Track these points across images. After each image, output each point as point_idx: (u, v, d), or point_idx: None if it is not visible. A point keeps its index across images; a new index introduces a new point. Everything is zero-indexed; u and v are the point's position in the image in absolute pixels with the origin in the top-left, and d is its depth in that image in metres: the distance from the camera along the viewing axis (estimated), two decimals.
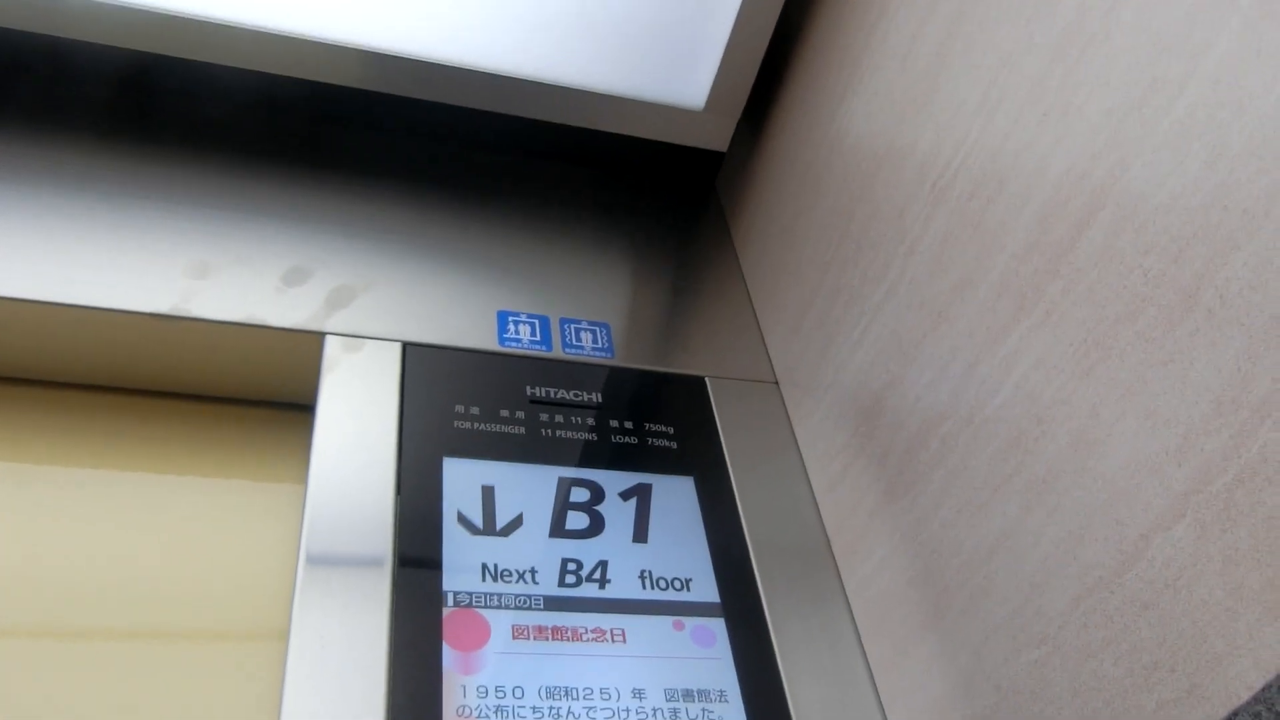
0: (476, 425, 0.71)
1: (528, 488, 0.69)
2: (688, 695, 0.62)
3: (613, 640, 0.63)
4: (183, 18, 0.77)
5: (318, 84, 0.83)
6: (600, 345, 0.80)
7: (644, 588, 0.66)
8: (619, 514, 0.69)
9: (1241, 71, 0.41)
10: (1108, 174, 0.48)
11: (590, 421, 0.74)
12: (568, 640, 0.62)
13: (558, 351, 0.78)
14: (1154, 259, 0.45)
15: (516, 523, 0.67)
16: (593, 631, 0.63)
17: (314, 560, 0.62)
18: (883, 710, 0.64)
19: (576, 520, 0.68)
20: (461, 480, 0.68)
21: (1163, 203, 0.45)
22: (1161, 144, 0.45)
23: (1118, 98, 0.48)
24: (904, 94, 0.66)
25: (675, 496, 0.72)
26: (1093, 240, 0.49)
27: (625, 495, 0.71)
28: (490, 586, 0.63)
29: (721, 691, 0.63)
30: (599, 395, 0.76)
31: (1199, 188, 0.43)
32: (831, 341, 0.73)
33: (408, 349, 0.74)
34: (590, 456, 0.72)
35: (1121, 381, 0.47)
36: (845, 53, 0.74)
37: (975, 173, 0.58)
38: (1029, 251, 0.53)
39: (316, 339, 0.73)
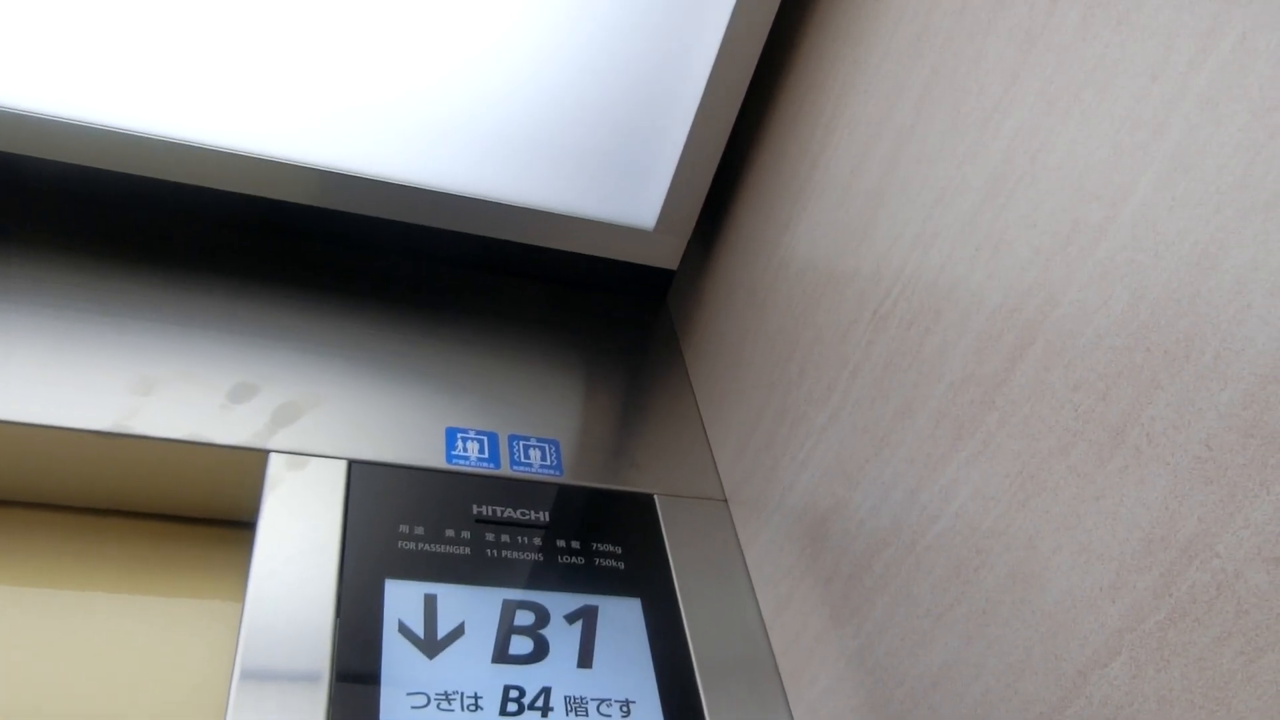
0: (421, 545, 0.70)
1: (471, 610, 0.68)
2: None
3: None
4: (137, 137, 0.78)
5: (269, 200, 0.84)
6: (549, 463, 0.80)
7: (588, 715, 0.65)
8: (564, 638, 0.68)
9: (1157, 220, 0.43)
10: (1037, 310, 0.49)
11: (537, 541, 0.74)
12: None
13: (506, 469, 0.78)
14: (1083, 395, 0.46)
15: (459, 648, 0.66)
16: None
17: (248, 679, 0.60)
18: None
19: (520, 645, 0.67)
20: (403, 603, 0.67)
21: (1090, 341, 0.46)
22: (1086, 284, 0.47)
23: (1045, 238, 0.49)
24: (845, 224, 0.68)
25: (622, 619, 0.71)
26: (1025, 374, 0.50)
27: (571, 618, 0.70)
28: (430, 715, 0.62)
29: None
30: (546, 514, 0.76)
31: (1123, 328, 0.44)
32: (778, 462, 0.74)
33: (353, 466, 0.74)
34: (536, 578, 0.71)
35: (1056, 515, 0.47)
36: (790, 180, 0.76)
37: (914, 302, 0.60)
38: (965, 382, 0.54)
39: (260, 456, 0.72)
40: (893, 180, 0.63)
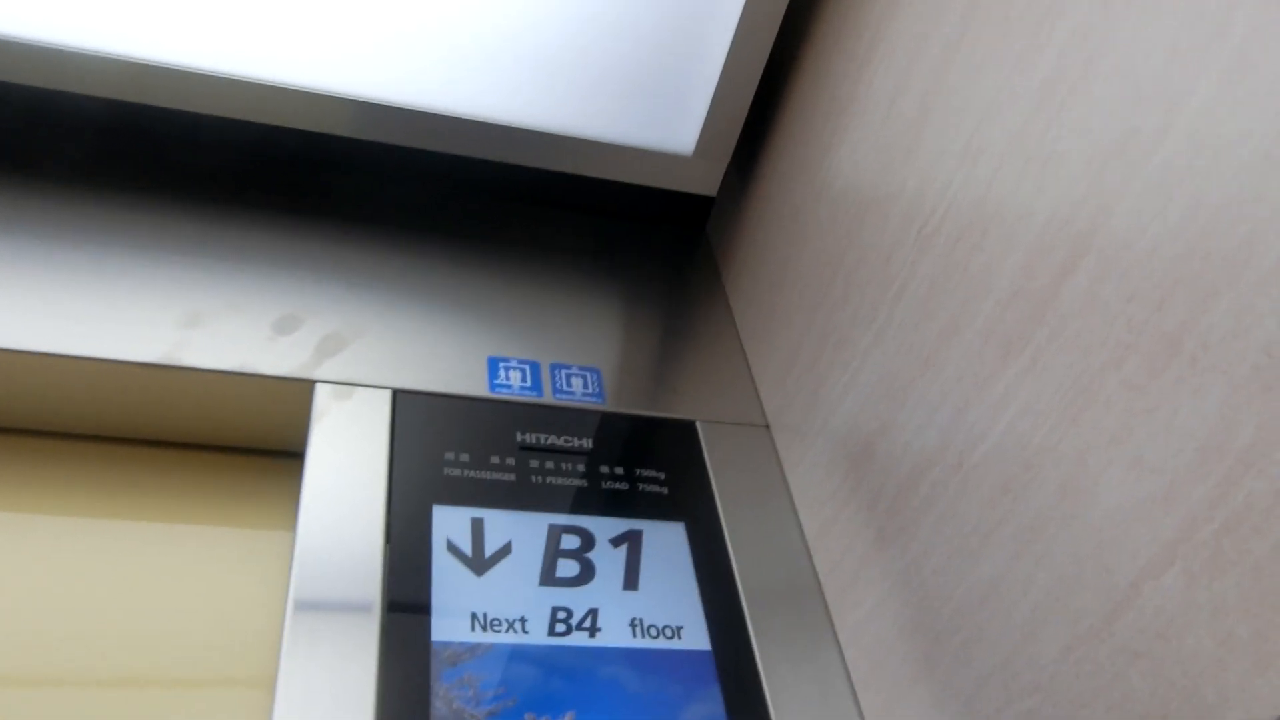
0: (466, 472, 0.71)
1: (517, 535, 0.69)
2: None
3: None
4: (175, 70, 0.78)
5: (309, 133, 0.84)
6: (591, 390, 0.80)
7: (634, 636, 0.66)
8: (609, 561, 0.69)
9: (1218, 122, 0.42)
10: (1090, 221, 0.48)
11: (581, 467, 0.74)
12: None
13: (548, 397, 0.78)
14: (1137, 306, 0.45)
15: (506, 567, 0.67)
16: None
17: (302, 608, 0.61)
18: None
19: (567, 568, 0.68)
20: (451, 528, 0.68)
21: (1145, 250, 0.45)
22: (1142, 192, 0.45)
23: (1098, 146, 0.48)
24: (890, 141, 0.66)
25: (666, 543, 0.72)
26: (1077, 287, 0.49)
27: (616, 542, 0.70)
28: (479, 636, 0.63)
29: None
30: (590, 441, 0.76)
31: (1180, 236, 0.43)
32: (821, 385, 0.73)
33: (398, 396, 0.74)
34: (581, 503, 0.72)
35: (1108, 428, 0.47)
36: (832, 100, 0.75)
37: (960, 219, 0.58)
38: (1014, 298, 0.53)
39: (307, 387, 0.73)
40: (939, 94, 0.61)
